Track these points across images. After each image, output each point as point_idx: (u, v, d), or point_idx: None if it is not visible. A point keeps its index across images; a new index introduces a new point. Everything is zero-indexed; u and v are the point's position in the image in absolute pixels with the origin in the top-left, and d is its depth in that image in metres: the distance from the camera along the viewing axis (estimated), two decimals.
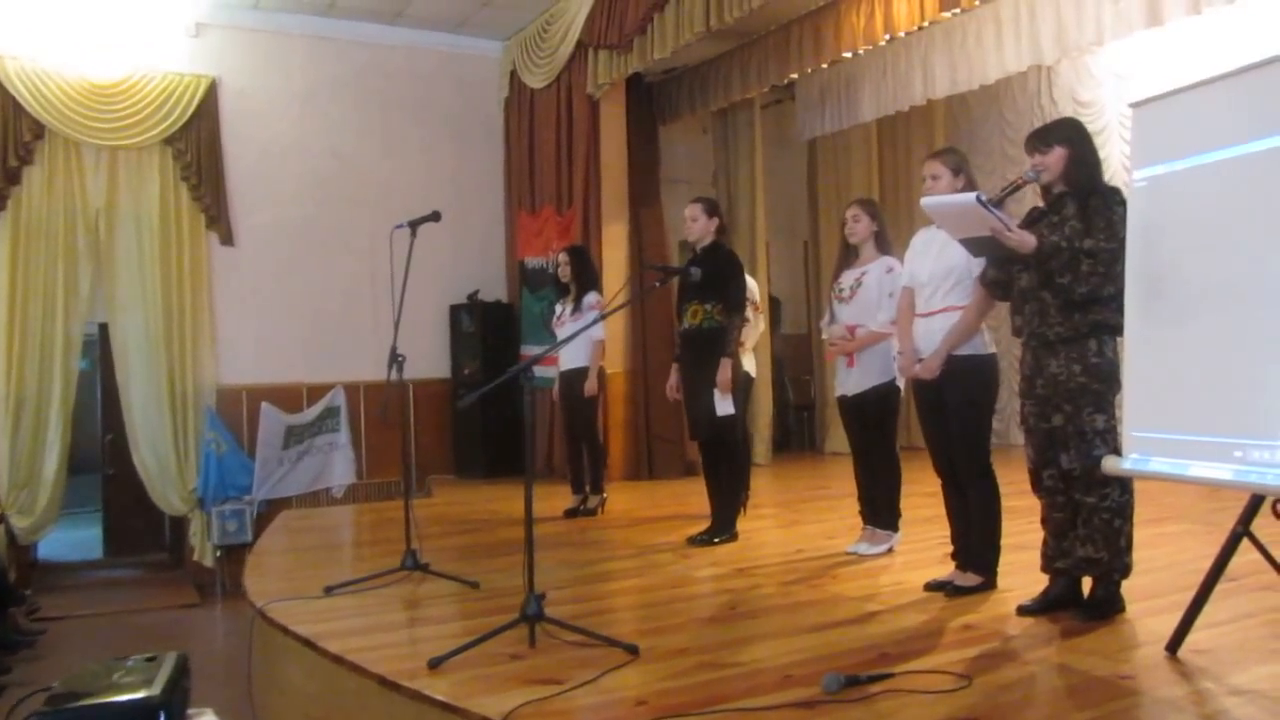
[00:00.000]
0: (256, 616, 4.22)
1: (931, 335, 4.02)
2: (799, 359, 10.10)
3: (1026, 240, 3.40)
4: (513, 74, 9.05)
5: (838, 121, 8.65)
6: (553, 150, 8.49)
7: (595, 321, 4.60)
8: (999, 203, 3.53)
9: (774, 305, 9.64)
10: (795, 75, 7.98)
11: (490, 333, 8.63)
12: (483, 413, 8.15)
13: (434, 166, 9.03)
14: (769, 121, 9.65)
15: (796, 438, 10.19)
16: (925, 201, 3.62)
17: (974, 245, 3.60)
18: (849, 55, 7.53)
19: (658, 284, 4.27)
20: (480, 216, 9.19)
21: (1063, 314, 3.47)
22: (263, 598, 4.35)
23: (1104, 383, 3.45)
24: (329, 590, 4.36)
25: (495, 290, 9.09)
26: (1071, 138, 3.56)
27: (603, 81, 7.91)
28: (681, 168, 9.49)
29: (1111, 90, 7.99)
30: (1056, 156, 3.54)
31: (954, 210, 3.53)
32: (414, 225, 4.64)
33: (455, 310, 8.93)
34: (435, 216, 4.69)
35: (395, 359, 4.54)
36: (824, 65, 7.76)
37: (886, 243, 4.78)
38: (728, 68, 8.35)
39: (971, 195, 3.42)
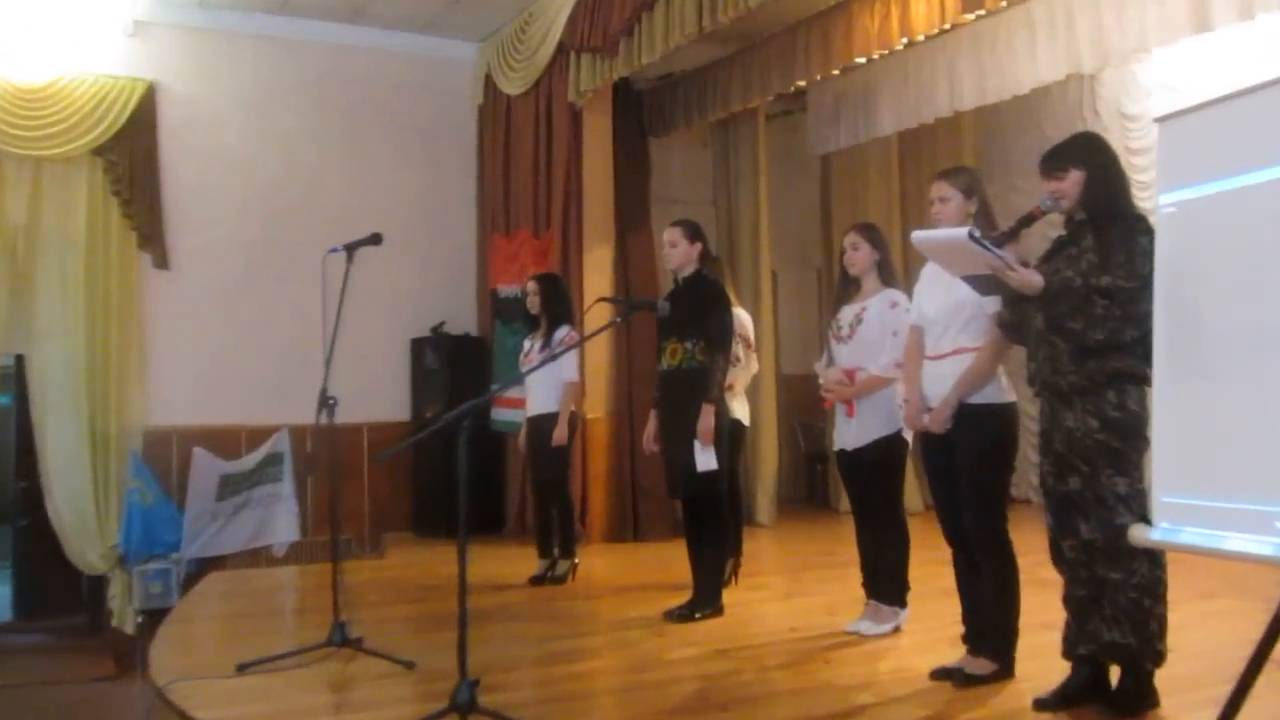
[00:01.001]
0: (156, 698, 4.11)
1: (941, 380, 3.96)
2: (810, 403, 9.96)
3: (1031, 280, 3.34)
4: (488, 79, 9.05)
5: (854, 135, 8.60)
6: (530, 165, 8.47)
7: (543, 363, 4.49)
8: (1013, 236, 3.47)
9: (779, 342, 9.56)
10: (804, 83, 7.95)
11: (457, 370, 8.54)
12: (446, 462, 8.01)
13: (399, 182, 9.02)
14: (776, 135, 9.62)
15: (807, 493, 10.08)
16: (915, 236, 3.59)
17: (979, 283, 3.55)
18: (863, 61, 7.49)
19: (617, 319, 4.18)
20: (449, 238, 9.17)
21: (1075, 361, 3.39)
22: (167, 675, 4.25)
23: (1125, 440, 3.36)
24: (241, 668, 4.25)
25: (464, 322, 9.02)
26: (1087, 157, 3.51)
27: (586, 88, 7.89)
28: (676, 186, 9.44)
29: (1160, 102, 7.92)
30: (1073, 181, 3.49)
31: (946, 246, 3.50)
32: (350, 249, 4.61)
33: (418, 344, 8.87)
34: (375, 239, 4.66)
35: (325, 402, 4.46)
36: (835, 72, 7.73)
37: (891, 273, 4.73)
38: (728, 74, 8.33)
39: (963, 230, 3.39)
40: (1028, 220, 3.54)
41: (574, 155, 8.12)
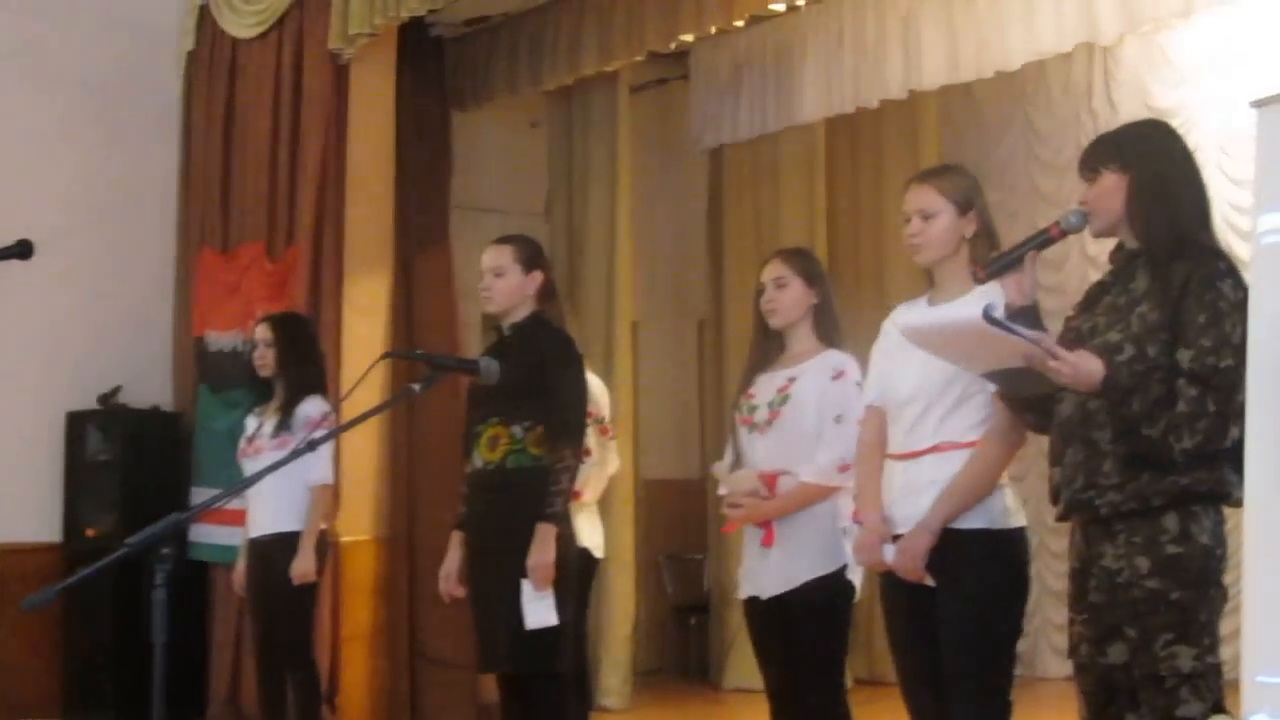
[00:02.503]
0: None
1: (916, 493, 4.01)
2: (686, 525, 9.97)
3: (1087, 371, 3.33)
4: (204, 13, 8.99)
5: (759, 122, 8.77)
6: (266, 146, 8.45)
7: (285, 460, 4.19)
8: (1012, 263, 3.51)
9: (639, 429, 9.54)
10: (689, 38, 8.09)
11: (139, 464, 8.41)
12: (116, 611, 7.86)
13: (56, 165, 8.83)
14: (646, 115, 9.79)
15: (676, 661, 10.17)
16: (904, 326, 3.73)
17: (1011, 381, 3.60)
18: (780, 8, 7.61)
19: (416, 388, 4.02)
20: (132, 255, 9.02)
21: (1122, 470, 3.40)
22: None
23: (1192, 589, 3.38)
24: None
25: (151, 389, 8.86)
26: (1136, 154, 3.56)
27: (357, 31, 7.85)
28: (491, 185, 9.56)
29: (1204, 91, 8.25)
30: (1105, 187, 3.53)
31: (950, 337, 3.58)
32: None
33: (76, 421, 8.67)
34: (21, 249, 4.44)
35: None
36: (738, 23, 7.89)
37: (833, 326, 4.77)
38: (574, 20, 8.42)
39: (975, 312, 3.37)
40: (1040, 241, 3.59)
41: (335, 134, 8.13)
